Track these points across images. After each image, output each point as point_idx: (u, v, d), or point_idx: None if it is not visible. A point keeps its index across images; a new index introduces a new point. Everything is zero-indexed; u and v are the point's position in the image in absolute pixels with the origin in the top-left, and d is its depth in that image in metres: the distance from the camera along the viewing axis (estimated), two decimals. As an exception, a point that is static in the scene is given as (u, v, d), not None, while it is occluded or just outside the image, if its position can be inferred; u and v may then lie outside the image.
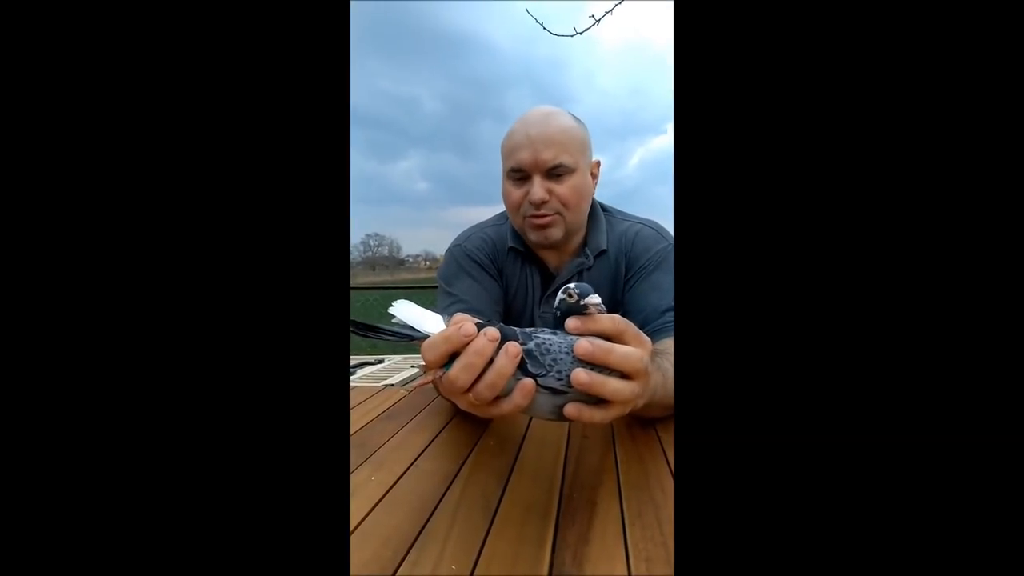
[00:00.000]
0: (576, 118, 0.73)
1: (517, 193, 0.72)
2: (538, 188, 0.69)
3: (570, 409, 0.35)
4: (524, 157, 0.69)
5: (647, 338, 0.38)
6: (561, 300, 0.37)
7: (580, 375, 0.33)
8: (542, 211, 0.70)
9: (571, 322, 0.36)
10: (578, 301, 0.36)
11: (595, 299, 0.36)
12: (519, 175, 0.71)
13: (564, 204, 0.71)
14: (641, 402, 0.39)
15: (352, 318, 0.38)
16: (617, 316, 0.37)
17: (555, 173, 0.70)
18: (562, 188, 0.70)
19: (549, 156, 0.68)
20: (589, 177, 0.74)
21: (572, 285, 0.37)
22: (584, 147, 0.73)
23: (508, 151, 0.72)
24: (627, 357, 0.35)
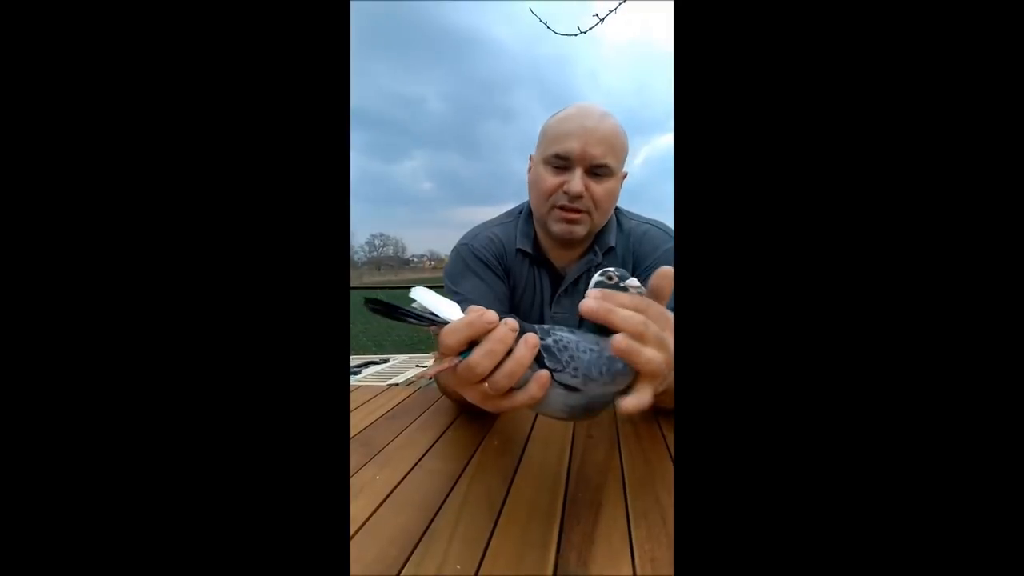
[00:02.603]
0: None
1: (553, 180, 0.71)
2: (577, 181, 0.68)
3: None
4: (573, 146, 0.68)
5: (670, 314, 0.37)
6: (599, 283, 0.38)
7: (620, 340, 0.33)
8: (575, 205, 0.70)
9: (589, 303, 0.35)
10: (618, 283, 0.37)
11: (634, 281, 0.37)
12: (562, 163, 0.70)
13: (596, 204, 0.70)
14: (662, 387, 0.38)
15: (376, 298, 0.38)
16: (638, 296, 0.36)
17: (597, 172, 0.69)
18: (599, 188, 0.70)
19: (598, 152, 0.68)
20: (619, 185, 0.74)
21: (612, 268, 0.38)
22: (625, 155, 0.73)
23: (556, 137, 0.70)
24: (652, 359, 0.34)
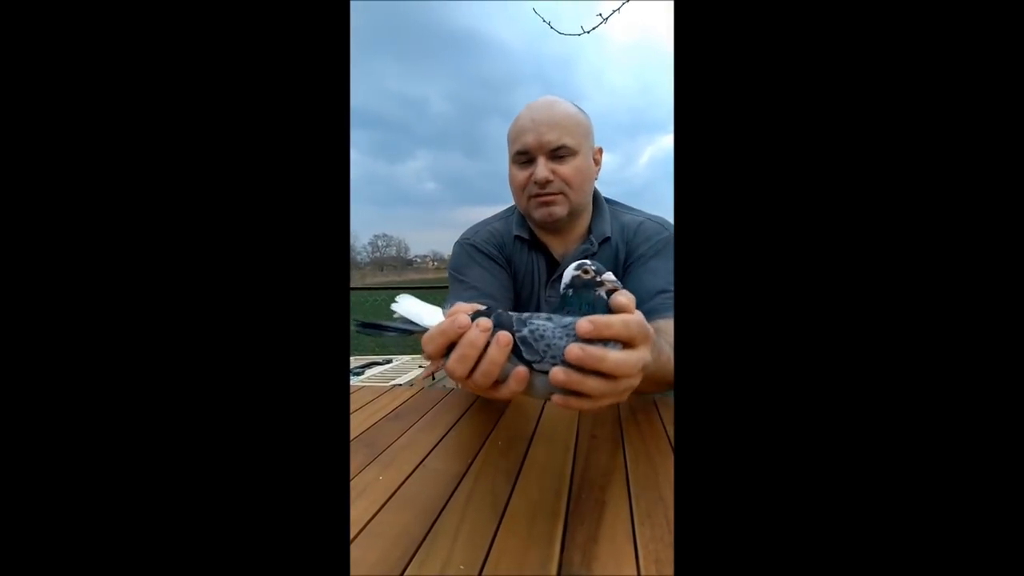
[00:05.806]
0: (579, 107, 0.77)
1: (522, 175, 0.76)
2: (542, 168, 0.73)
3: (558, 399, 0.35)
4: (528, 140, 0.73)
5: (651, 331, 0.37)
6: (575, 277, 0.38)
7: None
8: (547, 190, 0.74)
9: (584, 324, 0.34)
10: (594, 277, 0.38)
11: (610, 275, 0.38)
12: (524, 158, 0.75)
13: (567, 183, 0.74)
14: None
15: (356, 318, 0.39)
16: (631, 318, 0.35)
17: (558, 155, 0.74)
18: (565, 168, 0.74)
19: (553, 138, 0.73)
20: (591, 162, 0.78)
21: (588, 261, 0.38)
22: (586, 132, 0.77)
23: (514, 136, 0.76)
24: (620, 364, 0.33)
